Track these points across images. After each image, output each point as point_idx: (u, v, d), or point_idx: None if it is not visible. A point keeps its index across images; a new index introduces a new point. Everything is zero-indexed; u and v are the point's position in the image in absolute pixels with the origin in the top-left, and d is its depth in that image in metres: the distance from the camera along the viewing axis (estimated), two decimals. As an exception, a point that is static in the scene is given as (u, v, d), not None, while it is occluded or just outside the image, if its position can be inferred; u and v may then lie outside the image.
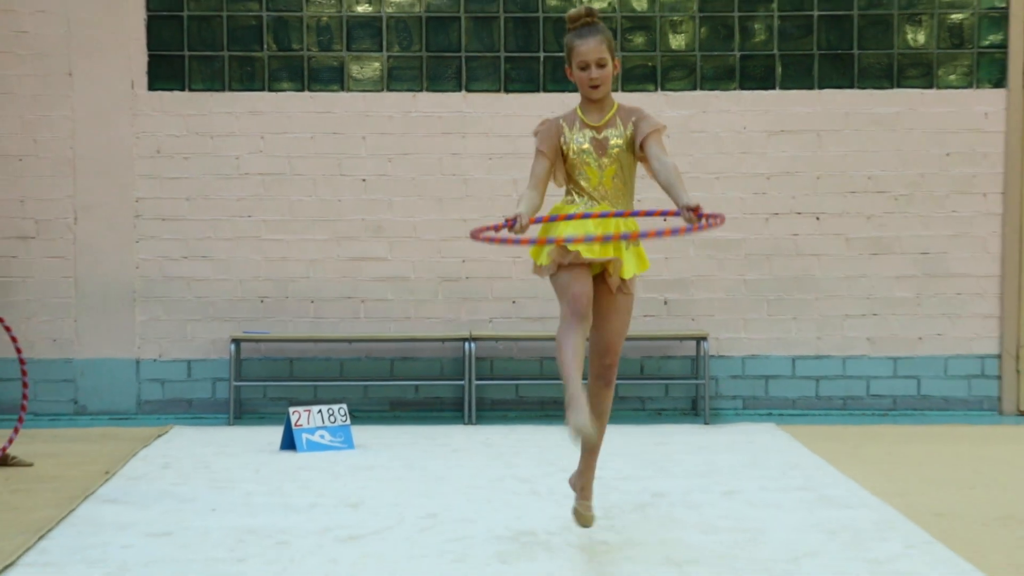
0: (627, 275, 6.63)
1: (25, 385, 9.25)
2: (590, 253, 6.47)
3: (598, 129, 6.69)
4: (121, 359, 11.99)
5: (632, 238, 6.62)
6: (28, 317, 11.89)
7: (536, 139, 6.73)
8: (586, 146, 6.66)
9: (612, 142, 6.66)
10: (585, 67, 6.61)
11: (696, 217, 6.30)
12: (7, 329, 9.34)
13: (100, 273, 11.96)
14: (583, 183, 6.66)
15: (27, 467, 9.20)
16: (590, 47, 6.59)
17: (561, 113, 6.82)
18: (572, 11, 6.66)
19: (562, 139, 6.68)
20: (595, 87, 6.63)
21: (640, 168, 6.77)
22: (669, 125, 11.85)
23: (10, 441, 9.11)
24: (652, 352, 12.06)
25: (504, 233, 6.47)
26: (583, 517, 6.87)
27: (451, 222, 12.01)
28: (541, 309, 11.92)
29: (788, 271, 12.02)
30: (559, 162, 6.70)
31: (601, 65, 6.60)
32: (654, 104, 11.80)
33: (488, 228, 6.50)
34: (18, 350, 9.33)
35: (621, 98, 7.00)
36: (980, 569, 6.38)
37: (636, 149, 6.65)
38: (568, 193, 6.73)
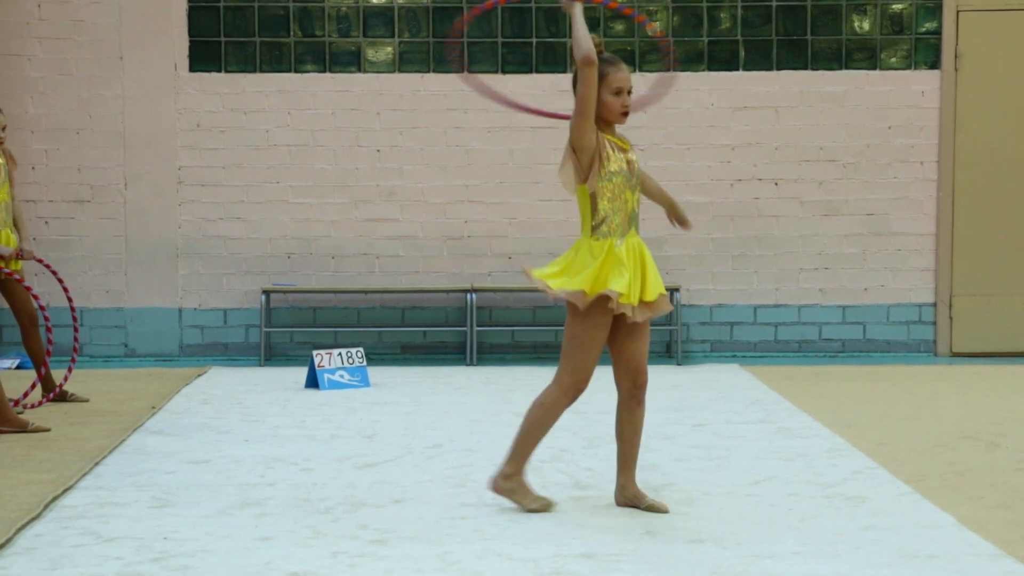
0: (660, 293, 5.99)
1: (76, 329, 9.23)
2: (633, 310, 5.84)
3: (626, 150, 5.91)
4: (165, 308, 11.95)
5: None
6: (84, 271, 11.86)
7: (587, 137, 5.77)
8: (624, 168, 5.82)
9: (636, 164, 5.92)
10: (620, 93, 5.83)
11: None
12: (60, 280, 9.30)
13: (147, 233, 11.91)
14: (620, 209, 5.80)
15: (84, 402, 9.18)
16: (627, 75, 5.87)
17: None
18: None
19: (604, 153, 5.79)
20: (626, 113, 5.86)
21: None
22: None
23: (65, 379, 9.08)
24: (631, 301, 12.01)
25: None
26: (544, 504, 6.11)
27: (455, 187, 11.96)
28: (534, 263, 11.80)
29: (750, 230, 11.97)
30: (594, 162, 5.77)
31: (630, 92, 5.88)
32: (633, 83, 11.69)
33: None
34: (69, 299, 9.28)
35: None
36: (916, 490, 6.39)
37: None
38: (595, 217, 5.80)
